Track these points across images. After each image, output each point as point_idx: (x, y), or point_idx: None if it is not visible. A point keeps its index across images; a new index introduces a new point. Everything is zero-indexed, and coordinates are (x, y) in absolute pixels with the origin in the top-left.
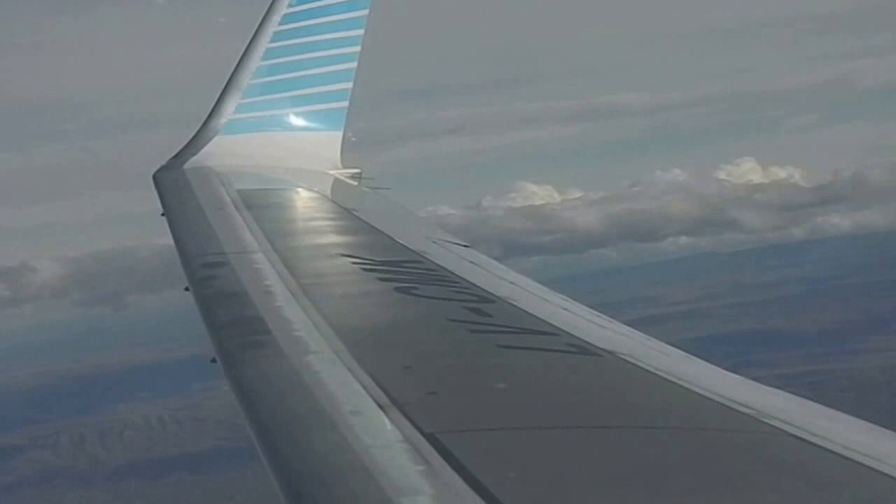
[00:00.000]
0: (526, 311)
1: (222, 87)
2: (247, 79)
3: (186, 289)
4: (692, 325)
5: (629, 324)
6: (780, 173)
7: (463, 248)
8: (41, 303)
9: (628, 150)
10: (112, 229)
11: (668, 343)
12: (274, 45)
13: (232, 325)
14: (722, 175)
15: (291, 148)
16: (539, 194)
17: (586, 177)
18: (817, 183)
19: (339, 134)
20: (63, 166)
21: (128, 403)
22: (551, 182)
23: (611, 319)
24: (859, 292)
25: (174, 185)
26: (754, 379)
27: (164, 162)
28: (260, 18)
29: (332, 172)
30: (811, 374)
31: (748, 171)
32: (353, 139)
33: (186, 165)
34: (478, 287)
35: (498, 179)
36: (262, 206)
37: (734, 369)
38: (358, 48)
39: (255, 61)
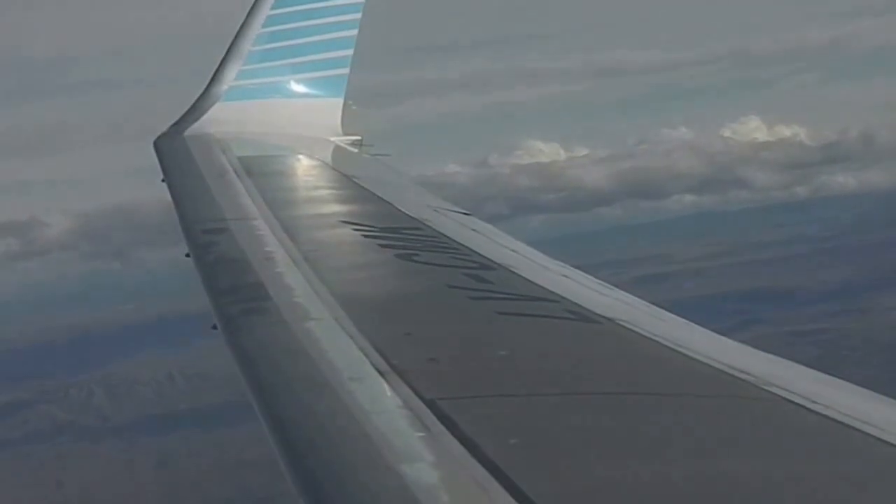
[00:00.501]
0: (526, 278)
1: (223, 53)
2: (248, 46)
3: (187, 255)
4: (699, 282)
5: (637, 281)
6: (786, 132)
7: (463, 215)
8: (51, 257)
9: (633, 108)
10: (122, 184)
11: (676, 301)
12: (275, 11)
13: (232, 291)
14: (727, 133)
15: (292, 115)
16: (545, 152)
17: (592, 135)
18: (823, 142)
19: (340, 101)
20: (76, 120)
21: (136, 359)
22: (557, 140)
23: (611, 286)
24: (866, 251)
25: (175, 152)
26: (762, 336)
27: (165, 128)
28: None
29: (332, 139)
30: (819, 332)
31: (753, 130)
32: (354, 107)
33: (187, 132)
34: (478, 254)
35: (504, 137)
36: (263, 173)
37: (741, 327)
38: (359, 15)
39: (256, 28)
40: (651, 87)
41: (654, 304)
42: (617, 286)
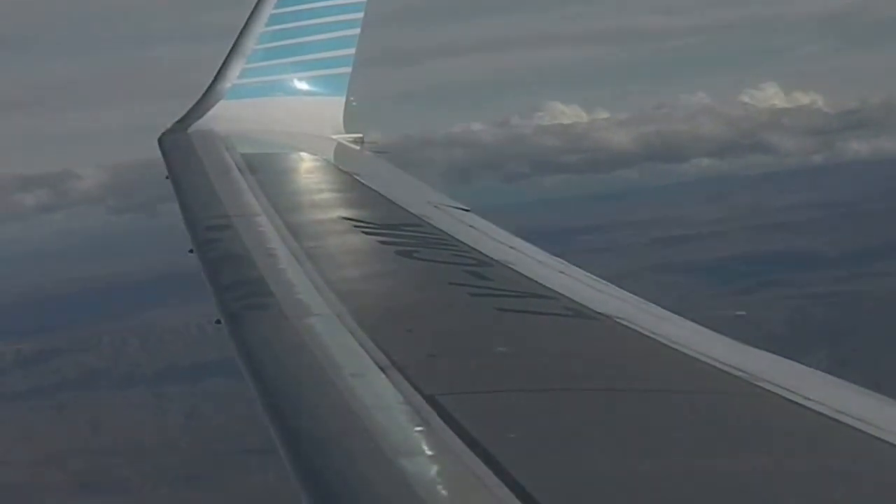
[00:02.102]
0: (524, 275)
1: (227, 52)
2: (251, 44)
3: (191, 251)
4: (717, 245)
5: (656, 242)
6: (804, 99)
7: (463, 211)
8: (80, 209)
9: (652, 72)
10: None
11: (693, 262)
12: (278, 11)
13: (235, 287)
14: (746, 99)
15: (295, 112)
16: (566, 114)
17: (611, 98)
18: (840, 109)
19: (342, 99)
20: (119, 73)
21: (168, 309)
22: (578, 102)
23: (608, 283)
24: (882, 217)
25: (179, 149)
26: (778, 298)
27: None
28: None
29: (334, 137)
30: (834, 295)
31: (771, 96)
32: (355, 103)
33: (191, 129)
34: (477, 251)
35: (525, 99)
36: (266, 169)
37: (758, 288)
38: (361, 14)
39: (260, 27)
40: (670, 52)
41: (668, 264)
42: (635, 247)
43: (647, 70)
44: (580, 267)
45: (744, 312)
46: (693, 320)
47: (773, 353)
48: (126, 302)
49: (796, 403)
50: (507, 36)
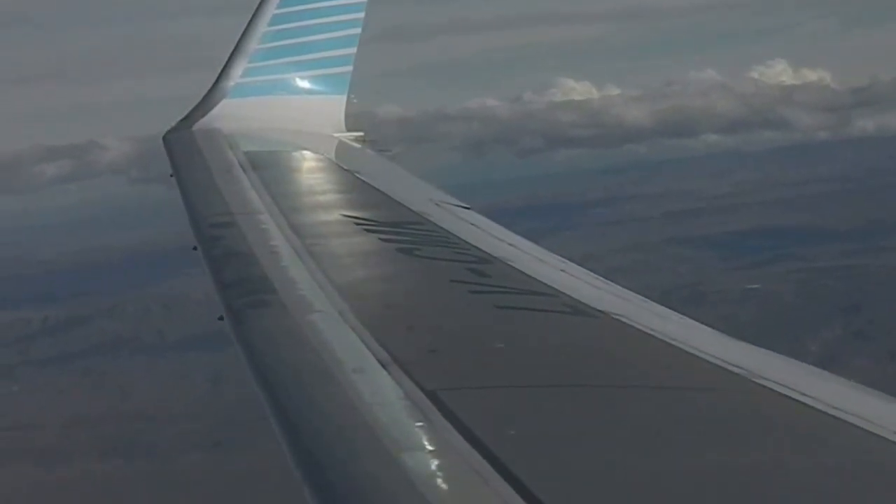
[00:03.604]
0: (524, 273)
1: (230, 51)
2: (254, 44)
3: (195, 248)
4: (727, 219)
5: (668, 215)
6: (811, 76)
7: (463, 209)
8: (105, 179)
9: (663, 49)
10: (178, 110)
11: (705, 236)
12: (280, 11)
13: (238, 284)
14: (754, 76)
15: (297, 111)
16: (578, 90)
17: (622, 75)
18: (850, 86)
19: (344, 98)
20: (143, 46)
21: (192, 277)
22: (590, 79)
23: (607, 280)
24: (892, 192)
25: (183, 147)
26: (787, 272)
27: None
28: None
29: (336, 135)
30: (845, 269)
31: (780, 73)
32: (355, 100)
33: (195, 127)
34: (477, 248)
35: (538, 75)
36: (269, 167)
37: (767, 262)
38: (362, 14)
39: (262, 27)
40: (680, 28)
41: (680, 238)
42: (647, 220)
43: (657, 47)
44: (593, 240)
45: (757, 285)
46: (690, 316)
47: (786, 326)
48: (151, 269)
49: (794, 400)
50: (521, 13)
